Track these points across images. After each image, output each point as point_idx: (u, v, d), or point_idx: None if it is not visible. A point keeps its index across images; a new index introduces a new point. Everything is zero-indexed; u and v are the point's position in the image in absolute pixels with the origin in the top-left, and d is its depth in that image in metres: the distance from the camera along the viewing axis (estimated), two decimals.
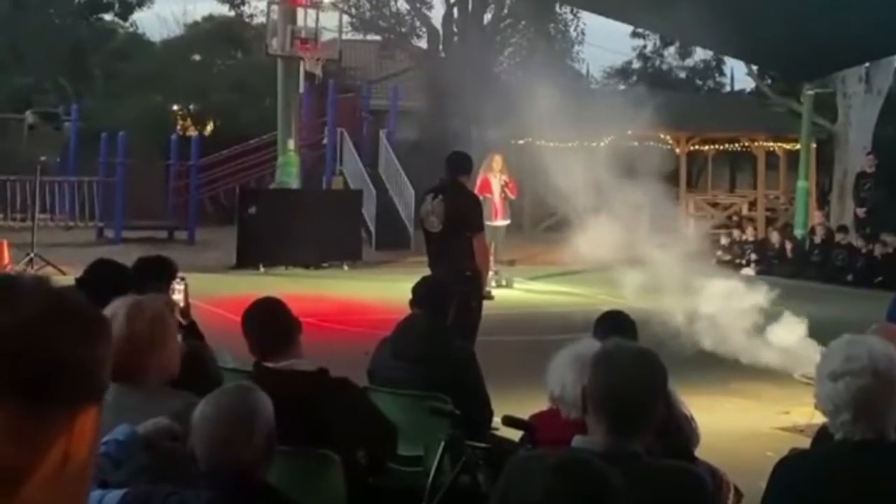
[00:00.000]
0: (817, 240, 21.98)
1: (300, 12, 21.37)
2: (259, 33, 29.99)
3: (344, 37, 24.74)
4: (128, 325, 3.99)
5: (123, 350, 3.91)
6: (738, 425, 8.82)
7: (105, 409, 1.36)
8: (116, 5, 37.12)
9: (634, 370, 3.34)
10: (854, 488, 3.38)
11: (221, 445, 3.25)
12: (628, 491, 2.77)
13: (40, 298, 1.29)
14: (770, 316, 11.67)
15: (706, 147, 30.87)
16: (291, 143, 21.66)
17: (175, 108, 34.99)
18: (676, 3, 16.04)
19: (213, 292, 13.89)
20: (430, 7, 33.69)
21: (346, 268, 20.03)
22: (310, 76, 21.72)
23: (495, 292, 15.76)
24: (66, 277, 12.74)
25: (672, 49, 41.92)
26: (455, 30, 33.06)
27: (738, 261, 22.13)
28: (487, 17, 33.32)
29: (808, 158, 23.89)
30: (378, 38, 35.29)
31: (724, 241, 23.48)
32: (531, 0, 31.93)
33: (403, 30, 34.12)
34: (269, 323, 4.91)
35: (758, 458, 6.38)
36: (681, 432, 5.05)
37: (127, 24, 38.04)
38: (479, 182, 16.32)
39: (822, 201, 28.19)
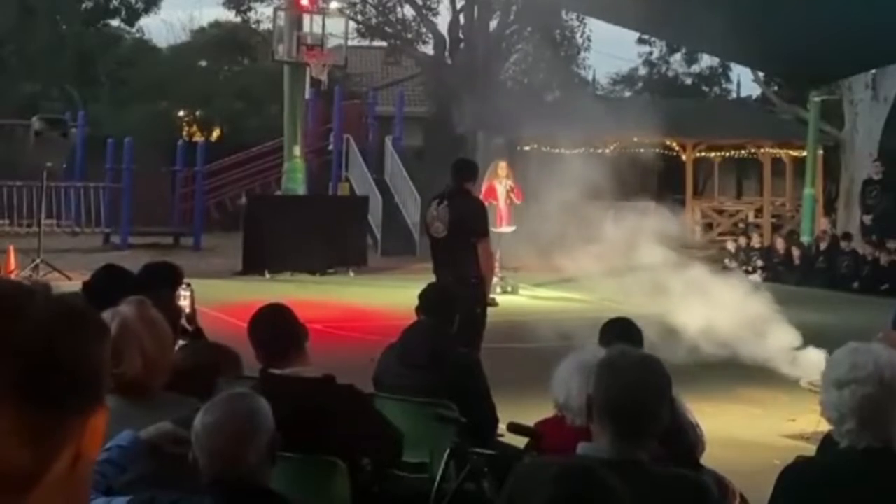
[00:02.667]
0: (823, 247, 21.96)
1: (306, 19, 21.40)
2: (265, 39, 30.04)
3: (350, 43, 24.77)
4: (137, 346, 3.97)
5: (132, 371, 3.91)
6: (744, 433, 8.80)
7: (110, 420, 1.38)
8: (123, 11, 37.20)
9: (638, 377, 3.34)
10: (859, 497, 3.37)
11: (223, 454, 3.25)
12: (632, 499, 2.77)
13: (50, 304, 1.31)
14: (776, 323, 11.66)
15: (712, 154, 30.87)
16: (297, 150, 21.69)
17: (181, 114, 35.07)
18: (683, 10, 16.07)
19: (219, 298, 13.90)
20: (436, 13, 33.72)
21: (351, 274, 20.03)
22: (316, 82, 21.76)
23: (501, 299, 15.75)
24: (71, 283, 12.76)
25: (678, 56, 41.94)
26: (461, 36, 33.07)
27: (744, 268, 22.12)
28: (493, 23, 33.32)
29: (814, 165, 23.88)
30: (384, 44, 35.30)
31: (730, 247, 23.47)
32: (537, 7, 31.93)
33: (409, 36, 34.13)
34: (276, 329, 4.91)
35: (763, 465, 6.37)
36: (686, 439, 5.05)
37: (133, 31, 38.15)
38: (484, 188, 16.31)
39: (829, 208, 28.18)
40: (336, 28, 22.92)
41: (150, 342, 3.98)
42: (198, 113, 35.07)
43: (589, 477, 2.74)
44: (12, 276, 14.28)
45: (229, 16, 36.38)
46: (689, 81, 42.65)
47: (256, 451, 3.27)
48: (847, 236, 21.85)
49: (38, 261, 17.36)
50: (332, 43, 22.50)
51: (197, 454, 3.27)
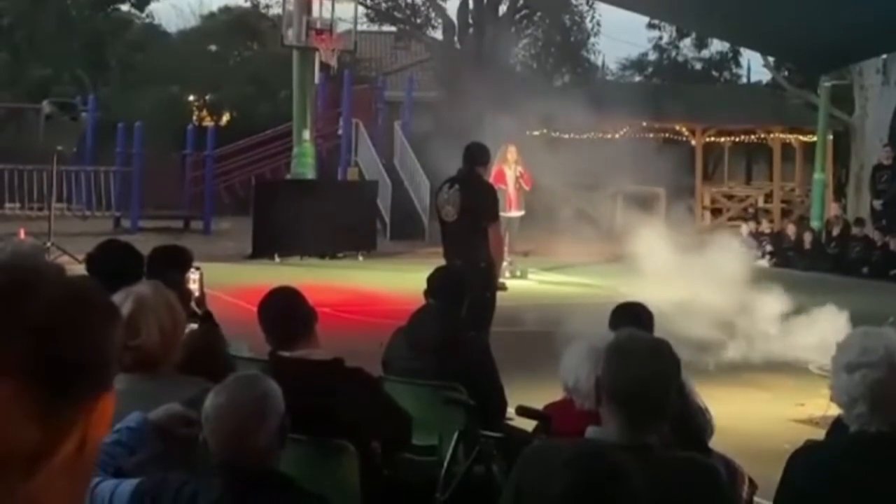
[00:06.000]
0: (833, 232, 21.92)
1: (315, 3, 21.35)
2: (275, 24, 29.99)
3: (359, 28, 24.73)
4: (154, 318, 4.01)
5: (150, 342, 3.95)
6: (753, 417, 8.80)
7: (119, 399, 1.38)
8: None
9: (647, 361, 3.33)
10: (869, 480, 3.37)
11: (233, 436, 3.25)
12: (643, 483, 2.77)
13: (62, 286, 1.31)
14: (786, 307, 11.66)
15: (722, 139, 30.79)
16: (307, 134, 21.67)
17: (191, 98, 35.07)
18: None
19: (228, 282, 13.92)
20: None
21: (361, 258, 20.05)
22: (325, 67, 21.72)
23: (510, 283, 15.75)
24: (82, 267, 12.77)
25: (688, 41, 41.78)
26: (470, 21, 33.01)
27: (753, 253, 22.07)
28: (503, 8, 33.27)
29: (824, 150, 23.81)
30: (393, 29, 35.27)
31: (743, 231, 23.43)
32: None
33: (418, 21, 34.08)
34: (285, 313, 4.91)
35: (773, 449, 6.37)
36: (695, 424, 5.05)
37: (143, 15, 38.13)
38: (493, 173, 16.28)
39: (839, 193, 28.10)
40: (345, 13, 22.91)
41: (167, 317, 4.02)
42: (208, 97, 35.07)
43: (604, 462, 2.74)
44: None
45: (239, 0, 36.41)
46: (698, 66, 42.53)
47: (266, 434, 3.27)
48: (860, 222, 21.80)
49: (48, 244, 17.38)
50: (341, 28, 22.47)
51: (207, 436, 3.28)
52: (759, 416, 8.95)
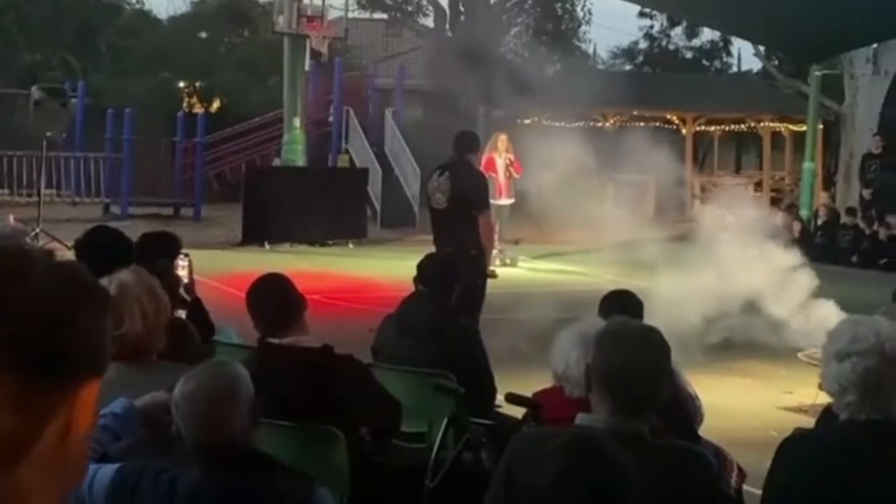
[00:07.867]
0: (822, 221, 21.94)
1: None
2: (266, 11, 29.93)
3: (350, 15, 24.70)
4: (140, 307, 4.00)
5: (134, 330, 3.94)
6: (743, 405, 8.82)
7: (105, 386, 1.36)
8: None
9: (638, 348, 3.33)
10: (859, 469, 3.37)
11: (205, 421, 3.25)
12: (634, 470, 2.77)
13: (51, 272, 1.29)
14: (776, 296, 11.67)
15: (712, 128, 30.82)
16: (297, 121, 21.65)
17: (182, 85, 34.97)
18: None
19: (218, 269, 13.89)
20: None
21: (351, 245, 20.03)
22: (316, 54, 21.68)
23: (500, 271, 15.74)
24: (70, 253, 12.73)
25: (679, 29, 41.79)
26: (461, 8, 32.96)
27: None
28: None
29: (814, 139, 23.81)
30: (384, 16, 35.20)
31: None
32: None
33: (410, 8, 34.02)
34: (274, 299, 4.90)
35: (762, 437, 6.39)
36: (685, 411, 5.05)
37: (133, 1, 38.08)
38: (483, 161, 16.27)
39: (828, 183, 28.15)
40: (336, 0, 22.88)
41: (149, 304, 4.02)
42: (198, 84, 34.97)
43: (596, 448, 2.73)
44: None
45: None
46: (689, 55, 42.54)
47: (238, 419, 3.27)
48: (852, 211, 21.83)
49: (37, 230, 17.35)
50: (332, 15, 22.46)
51: (178, 422, 3.28)
52: (749, 404, 8.97)
